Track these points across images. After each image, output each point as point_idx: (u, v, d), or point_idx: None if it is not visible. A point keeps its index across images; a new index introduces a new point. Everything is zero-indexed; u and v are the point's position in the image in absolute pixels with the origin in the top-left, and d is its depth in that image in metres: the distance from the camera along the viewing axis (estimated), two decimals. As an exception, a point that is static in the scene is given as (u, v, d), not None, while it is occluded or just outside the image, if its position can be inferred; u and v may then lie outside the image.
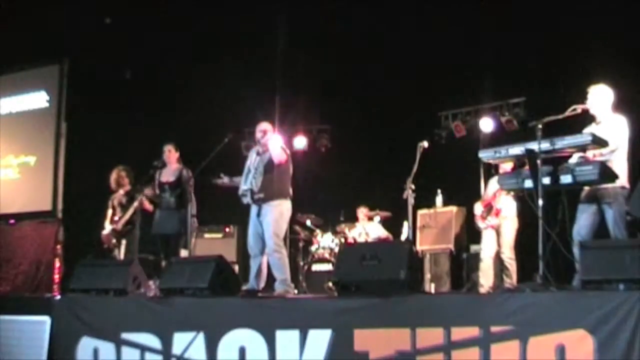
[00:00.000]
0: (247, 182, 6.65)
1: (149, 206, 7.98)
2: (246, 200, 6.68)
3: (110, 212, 8.31)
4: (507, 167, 7.03)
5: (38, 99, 11.16)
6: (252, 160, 6.77)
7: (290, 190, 6.73)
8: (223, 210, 9.32)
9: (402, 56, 9.40)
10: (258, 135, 6.78)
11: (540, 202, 5.03)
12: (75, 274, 6.70)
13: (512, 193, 7.19)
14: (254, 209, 6.66)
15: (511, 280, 7.18)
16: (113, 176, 8.35)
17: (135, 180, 8.29)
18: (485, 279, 7.16)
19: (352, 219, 9.32)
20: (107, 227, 8.20)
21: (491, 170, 7.51)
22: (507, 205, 7.29)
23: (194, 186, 7.52)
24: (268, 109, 9.72)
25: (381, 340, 4.92)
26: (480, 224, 7.37)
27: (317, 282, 8.30)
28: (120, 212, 8.19)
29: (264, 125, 6.80)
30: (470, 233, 8.88)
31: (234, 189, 6.95)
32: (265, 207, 6.55)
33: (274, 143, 6.61)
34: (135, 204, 7.94)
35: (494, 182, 7.41)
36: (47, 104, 11.02)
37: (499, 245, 7.26)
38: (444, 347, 4.69)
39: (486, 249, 7.25)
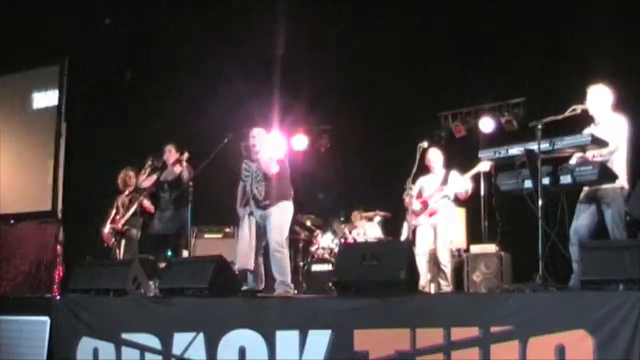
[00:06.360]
0: (252, 188, 6.71)
1: (150, 207, 7.99)
2: (250, 208, 6.74)
3: (113, 211, 8.34)
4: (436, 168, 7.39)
5: (40, 99, 11.14)
6: (251, 168, 6.79)
7: (292, 191, 6.81)
8: (223, 210, 9.32)
9: (402, 56, 9.40)
10: (250, 141, 6.83)
11: (540, 202, 5.04)
12: (75, 274, 6.70)
13: (450, 195, 7.33)
14: (257, 212, 6.70)
15: (447, 282, 7.25)
16: (120, 176, 8.38)
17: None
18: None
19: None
20: (108, 226, 8.23)
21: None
22: (444, 207, 7.34)
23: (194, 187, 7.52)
24: (268, 109, 9.73)
25: (381, 341, 4.92)
26: (413, 220, 7.32)
27: (317, 282, 8.30)
28: (122, 213, 8.22)
29: (254, 131, 6.84)
30: (470, 233, 8.89)
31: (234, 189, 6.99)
32: (269, 209, 6.63)
33: (262, 155, 6.66)
34: (135, 206, 7.97)
35: (432, 181, 7.48)
36: (56, 102, 10.98)
37: (435, 245, 7.30)
38: (444, 347, 4.70)
39: (420, 245, 7.23)
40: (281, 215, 6.65)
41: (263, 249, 6.73)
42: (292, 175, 7.03)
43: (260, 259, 6.67)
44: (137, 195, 8.06)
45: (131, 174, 8.37)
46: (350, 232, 9.00)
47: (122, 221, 8.11)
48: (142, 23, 10.09)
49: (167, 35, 10.09)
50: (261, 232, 6.69)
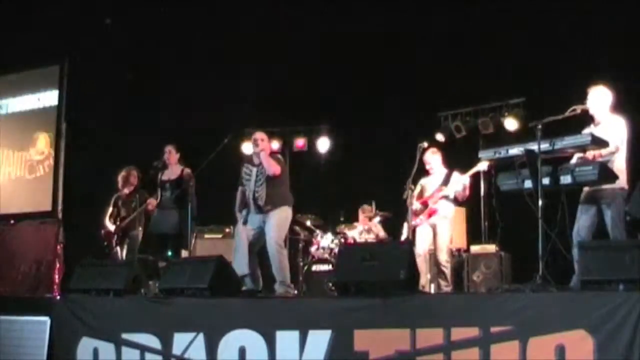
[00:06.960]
0: (253, 192, 6.74)
1: (152, 208, 7.98)
2: (246, 212, 6.76)
3: (111, 209, 8.33)
4: (435, 169, 7.44)
5: (43, 99, 11.13)
6: (252, 172, 6.82)
7: (292, 197, 6.87)
8: (223, 210, 9.33)
9: (402, 56, 9.40)
10: (253, 144, 6.89)
11: (540, 202, 5.04)
12: (75, 274, 6.70)
13: (450, 196, 7.34)
14: (256, 216, 6.71)
15: (447, 282, 7.27)
16: (122, 175, 8.37)
17: (141, 182, 8.33)
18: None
19: (352, 219, 9.31)
20: (109, 224, 8.22)
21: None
22: (444, 207, 7.36)
23: (194, 187, 7.52)
24: (268, 109, 9.73)
25: (381, 341, 4.92)
26: (413, 220, 7.36)
27: (317, 282, 8.30)
28: (123, 212, 8.21)
29: (256, 135, 6.88)
30: (470, 233, 8.90)
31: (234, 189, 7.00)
32: (270, 213, 6.67)
33: (266, 157, 6.70)
34: (140, 209, 7.96)
35: (433, 181, 7.51)
36: (56, 102, 10.95)
37: (435, 245, 7.34)
38: (443, 347, 4.70)
39: (420, 245, 7.25)
40: (281, 217, 6.70)
41: (260, 250, 6.75)
42: (292, 175, 7.04)
43: (256, 261, 6.70)
44: (141, 197, 8.04)
45: (135, 172, 8.37)
46: (350, 232, 9.00)
47: (126, 222, 8.10)
48: (142, 23, 10.09)
49: (167, 35, 10.09)
50: (259, 234, 6.70)
